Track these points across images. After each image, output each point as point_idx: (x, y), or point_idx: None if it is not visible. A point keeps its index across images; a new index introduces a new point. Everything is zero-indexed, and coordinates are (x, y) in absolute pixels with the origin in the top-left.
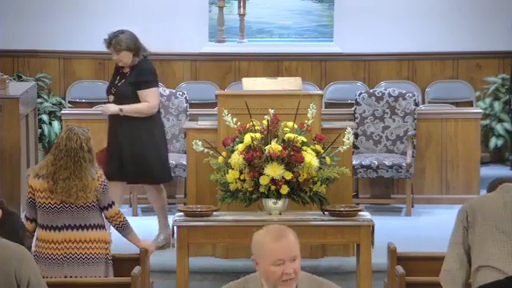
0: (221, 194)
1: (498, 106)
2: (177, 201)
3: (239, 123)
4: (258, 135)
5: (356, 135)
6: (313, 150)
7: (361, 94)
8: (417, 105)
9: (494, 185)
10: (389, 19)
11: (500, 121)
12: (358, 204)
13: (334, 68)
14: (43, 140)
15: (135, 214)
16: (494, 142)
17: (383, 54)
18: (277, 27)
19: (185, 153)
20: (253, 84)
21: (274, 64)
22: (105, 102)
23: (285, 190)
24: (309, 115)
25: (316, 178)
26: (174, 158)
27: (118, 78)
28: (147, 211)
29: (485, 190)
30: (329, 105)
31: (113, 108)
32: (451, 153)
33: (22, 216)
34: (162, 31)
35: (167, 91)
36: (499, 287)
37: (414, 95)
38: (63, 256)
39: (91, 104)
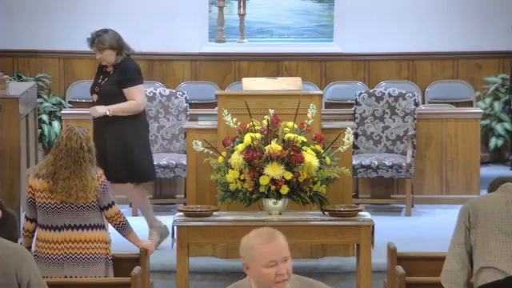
0: (221, 194)
1: (498, 106)
2: (177, 201)
3: (239, 123)
4: (257, 135)
5: (356, 135)
6: (313, 149)
7: (361, 93)
8: (417, 105)
9: (495, 184)
10: (389, 19)
11: (500, 121)
12: (357, 204)
13: (333, 68)
14: (43, 140)
15: (135, 214)
16: (493, 142)
17: (383, 54)
18: (277, 27)
19: (185, 153)
20: (253, 84)
21: (274, 64)
22: (94, 103)
23: (285, 190)
24: (309, 115)
25: (316, 178)
26: (174, 158)
27: (101, 76)
28: None
29: (485, 190)
30: (329, 105)
31: (101, 110)
32: (451, 153)
33: (22, 216)
34: (162, 31)
35: (167, 91)
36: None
37: (414, 95)
38: (63, 256)
39: (91, 104)
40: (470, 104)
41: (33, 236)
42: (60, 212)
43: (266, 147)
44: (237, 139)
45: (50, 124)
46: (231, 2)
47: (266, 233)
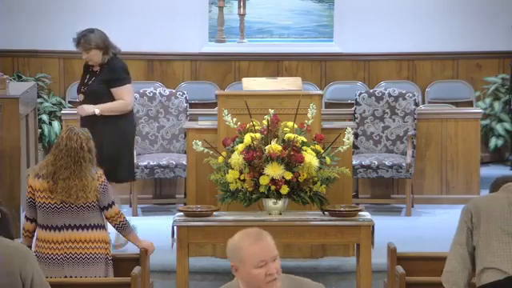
0: (221, 193)
1: (498, 106)
2: (177, 201)
3: (239, 123)
4: (257, 135)
5: (356, 135)
6: (313, 149)
7: (361, 93)
8: (417, 105)
9: (496, 184)
10: (389, 19)
11: (500, 121)
12: (357, 204)
13: (333, 68)
14: (43, 140)
15: (135, 214)
16: (493, 142)
17: (383, 53)
18: (277, 27)
19: (185, 153)
20: (253, 84)
21: (274, 64)
22: (81, 102)
23: (285, 190)
24: (309, 115)
25: (316, 178)
26: (174, 158)
27: (88, 76)
28: (147, 211)
29: (485, 190)
30: (329, 105)
31: (89, 109)
32: (451, 153)
33: (22, 216)
34: (162, 31)
35: (167, 91)
36: (499, 287)
37: (414, 95)
38: (63, 256)
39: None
40: (470, 104)
41: (33, 236)
42: (60, 212)
43: (266, 147)
44: (237, 139)
45: (50, 124)
46: (231, 2)
47: (254, 233)
